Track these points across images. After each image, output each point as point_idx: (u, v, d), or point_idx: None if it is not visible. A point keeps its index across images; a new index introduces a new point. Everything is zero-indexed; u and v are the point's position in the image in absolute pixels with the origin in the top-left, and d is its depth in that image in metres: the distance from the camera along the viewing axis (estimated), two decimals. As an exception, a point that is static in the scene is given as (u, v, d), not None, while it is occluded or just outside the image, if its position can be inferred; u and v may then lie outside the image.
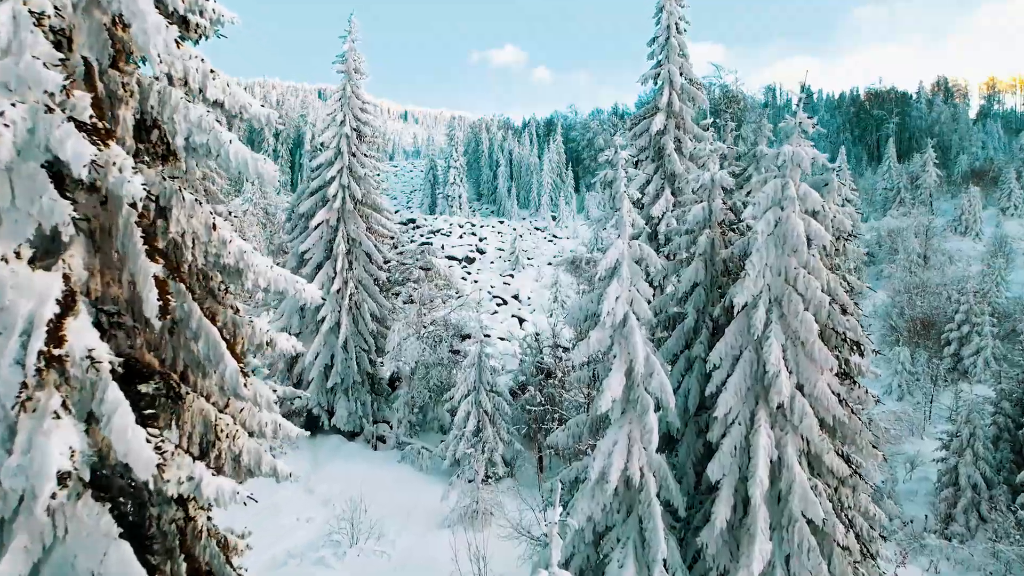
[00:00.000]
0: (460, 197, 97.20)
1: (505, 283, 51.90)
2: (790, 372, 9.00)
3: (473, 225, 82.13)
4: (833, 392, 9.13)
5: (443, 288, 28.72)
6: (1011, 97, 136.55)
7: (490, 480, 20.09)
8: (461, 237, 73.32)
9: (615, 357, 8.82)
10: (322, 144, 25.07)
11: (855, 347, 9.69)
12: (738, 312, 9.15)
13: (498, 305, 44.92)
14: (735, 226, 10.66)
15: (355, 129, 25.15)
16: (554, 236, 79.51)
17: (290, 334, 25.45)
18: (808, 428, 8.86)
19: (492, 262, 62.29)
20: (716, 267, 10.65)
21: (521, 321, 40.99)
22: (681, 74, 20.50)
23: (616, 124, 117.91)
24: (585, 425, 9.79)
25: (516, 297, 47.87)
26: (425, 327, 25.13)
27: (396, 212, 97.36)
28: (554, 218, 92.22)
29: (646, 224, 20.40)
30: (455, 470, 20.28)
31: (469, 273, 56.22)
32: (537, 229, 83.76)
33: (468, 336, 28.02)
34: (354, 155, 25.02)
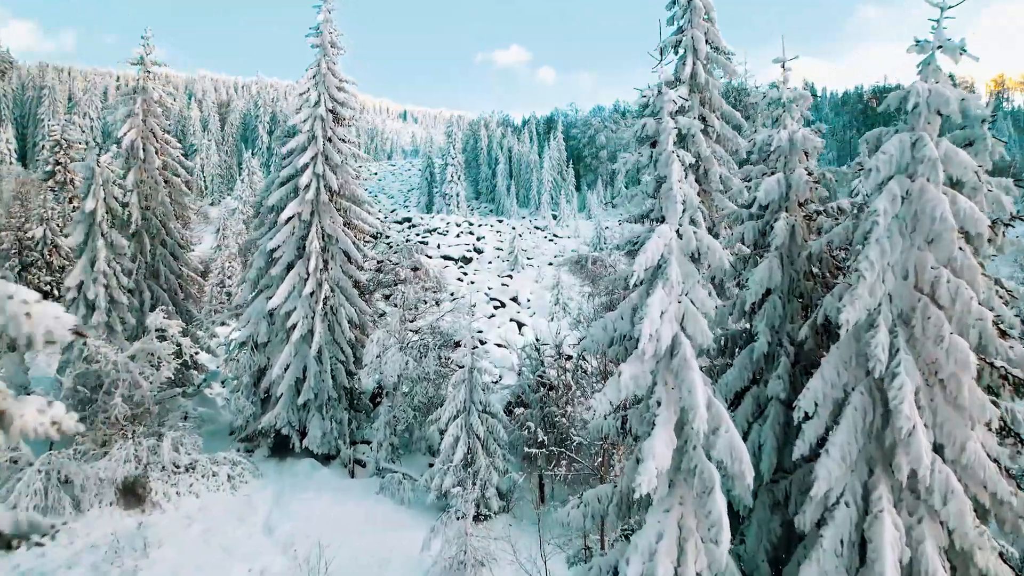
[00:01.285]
0: (458, 196, 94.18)
1: (504, 284, 48.88)
2: (926, 426, 6.02)
3: (471, 224, 79.20)
4: (991, 458, 6.16)
5: (433, 290, 25.68)
6: (1020, 95, 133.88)
7: (482, 518, 17.11)
8: (458, 236, 70.38)
9: (659, 404, 5.82)
10: (294, 128, 22.05)
11: (1021, 388, 6.62)
12: (845, 333, 6.12)
13: (495, 308, 41.91)
14: (822, 208, 7.66)
15: (331, 111, 22.15)
16: (555, 235, 76.54)
17: (257, 343, 22.46)
18: (957, 514, 5.84)
19: (490, 262, 59.29)
20: (797, 267, 7.59)
21: (520, 326, 37.97)
22: (707, 41, 17.49)
23: (618, 121, 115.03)
24: (610, 501, 6.73)
25: (515, 299, 44.84)
26: (416, 332, 22.10)
27: (392, 211, 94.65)
28: (555, 217, 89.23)
29: (667, 216, 17.48)
30: (441, 503, 17.30)
31: (466, 274, 53.23)
32: (537, 228, 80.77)
33: (460, 343, 25.03)
34: (330, 140, 22.03)
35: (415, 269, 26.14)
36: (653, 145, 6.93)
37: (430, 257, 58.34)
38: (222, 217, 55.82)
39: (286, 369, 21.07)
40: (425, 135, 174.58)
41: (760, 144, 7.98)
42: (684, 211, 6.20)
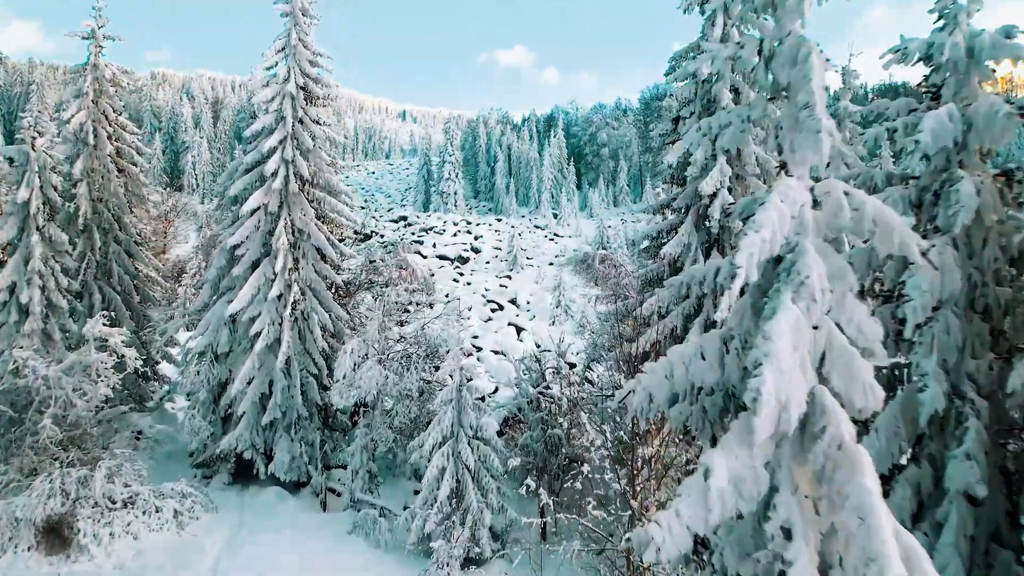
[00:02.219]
0: (455, 193, 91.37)
1: (502, 285, 46.18)
2: None
3: (469, 223, 76.71)
4: None
5: (421, 292, 22.92)
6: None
7: (473, 564, 14.37)
8: (455, 235, 67.83)
9: (789, 535, 3.01)
10: (259, 107, 19.32)
11: None
12: None
13: (492, 311, 39.19)
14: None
15: (303, 87, 19.42)
16: (555, 235, 73.97)
17: (217, 353, 19.68)
18: None
19: (488, 262, 56.64)
20: (982, 263, 4.70)
21: (519, 330, 35.22)
22: (740, -2, 14.73)
23: (619, 118, 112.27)
24: None
25: (514, 301, 42.11)
26: (399, 341, 19.33)
27: (389, 210, 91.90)
28: (555, 216, 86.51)
29: (694, 203, 14.75)
30: (424, 546, 14.57)
31: (462, 274, 50.58)
32: (537, 227, 78.19)
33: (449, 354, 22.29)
34: (301, 121, 19.30)
35: (401, 268, 23.41)
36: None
37: (425, 257, 55.64)
38: (206, 214, 53.07)
39: (249, 383, 18.35)
40: (424, 134, 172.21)
41: (913, 52, 5.07)
42: (833, 146, 3.43)
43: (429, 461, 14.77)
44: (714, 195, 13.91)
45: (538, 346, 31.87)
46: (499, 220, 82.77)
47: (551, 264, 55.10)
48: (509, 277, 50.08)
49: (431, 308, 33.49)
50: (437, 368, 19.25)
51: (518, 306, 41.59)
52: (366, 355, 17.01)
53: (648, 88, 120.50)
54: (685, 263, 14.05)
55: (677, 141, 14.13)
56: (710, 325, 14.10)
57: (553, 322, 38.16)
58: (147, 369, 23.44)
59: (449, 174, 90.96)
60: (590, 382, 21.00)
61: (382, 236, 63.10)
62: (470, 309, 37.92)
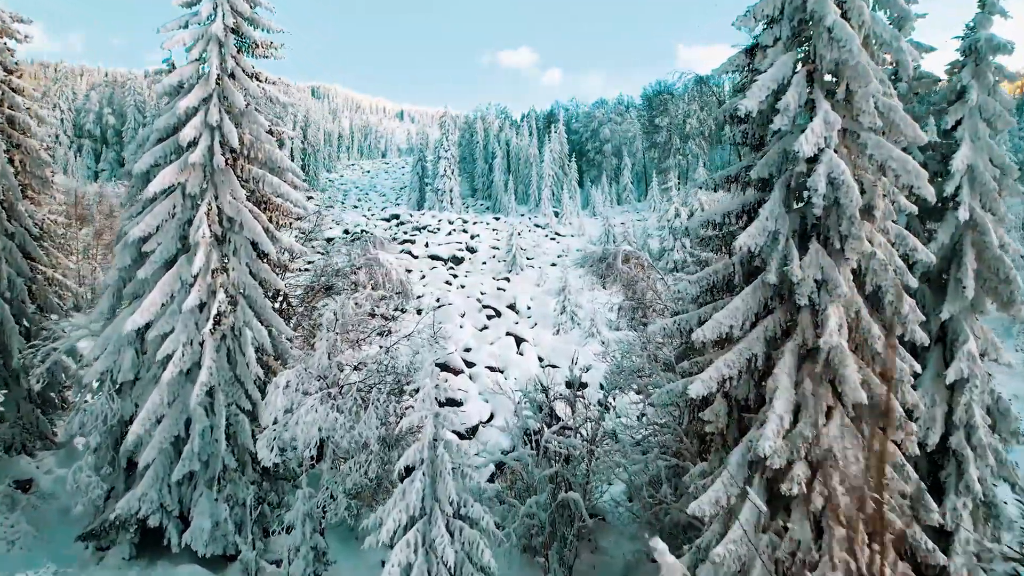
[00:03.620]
0: (451, 191, 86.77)
1: (500, 288, 41.43)
2: None
3: (465, 222, 72.12)
4: None
5: (393, 297, 18.17)
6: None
7: None
8: (450, 234, 63.20)
9: None
10: (176, 57, 14.65)
11: None
12: None
13: (489, 317, 34.45)
14: None
15: (234, 30, 14.75)
16: (557, 234, 69.27)
17: (118, 382, 14.85)
18: None
19: (484, 262, 51.93)
20: None
21: (519, 341, 30.46)
22: None
23: (622, 114, 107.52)
24: None
25: (512, 307, 37.38)
26: (357, 368, 14.63)
27: (383, 208, 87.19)
28: (556, 214, 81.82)
29: (782, 173, 10.07)
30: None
31: (456, 276, 45.85)
32: (537, 226, 73.51)
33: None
34: (232, 75, 14.63)
35: (372, 267, 18.66)
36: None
37: (416, 257, 50.95)
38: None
39: (158, 423, 13.66)
40: (421, 133, 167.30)
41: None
42: None
43: (392, 546, 10.03)
44: (815, 159, 9.22)
45: (541, 360, 27.21)
46: (497, 219, 78.19)
47: (553, 265, 50.43)
48: (508, 279, 45.39)
49: (419, 314, 28.70)
50: (413, 391, 14.41)
51: (517, 312, 36.87)
52: (303, 392, 12.28)
53: (650, 84, 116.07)
54: (770, 260, 9.33)
55: (754, 81, 9.43)
56: (807, 355, 9.41)
57: (557, 331, 33.50)
58: (54, 395, 18.77)
59: (445, 171, 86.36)
60: (605, 407, 16.33)
61: (372, 235, 58.54)
62: (463, 315, 33.23)
